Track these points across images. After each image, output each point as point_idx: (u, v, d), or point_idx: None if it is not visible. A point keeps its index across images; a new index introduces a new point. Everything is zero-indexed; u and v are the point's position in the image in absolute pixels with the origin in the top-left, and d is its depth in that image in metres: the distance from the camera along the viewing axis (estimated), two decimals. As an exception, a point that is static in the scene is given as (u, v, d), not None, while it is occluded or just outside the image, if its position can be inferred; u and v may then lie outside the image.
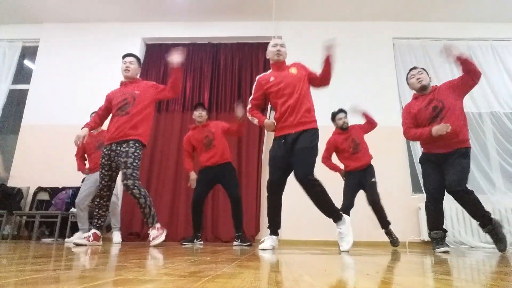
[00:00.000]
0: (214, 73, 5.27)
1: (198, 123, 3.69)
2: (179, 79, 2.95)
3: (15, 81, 5.49)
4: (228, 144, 3.74)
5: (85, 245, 2.60)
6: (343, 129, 3.52)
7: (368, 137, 3.59)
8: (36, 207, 4.61)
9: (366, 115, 3.50)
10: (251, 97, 2.74)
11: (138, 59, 3.10)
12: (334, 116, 3.59)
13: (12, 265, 1.04)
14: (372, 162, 3.50)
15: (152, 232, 2.77)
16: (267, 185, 2.54)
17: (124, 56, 3.07)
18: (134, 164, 2.76)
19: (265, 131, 4.83)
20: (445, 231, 2.71)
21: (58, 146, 4.86)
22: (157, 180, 4.80)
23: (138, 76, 3.12)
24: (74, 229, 3.94)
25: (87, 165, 3.97)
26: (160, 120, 5.05)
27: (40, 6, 5.23)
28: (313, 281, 0.78)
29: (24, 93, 5.37)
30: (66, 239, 3.89)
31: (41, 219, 4.20)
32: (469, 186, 2.57)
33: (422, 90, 2.79)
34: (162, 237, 2.76)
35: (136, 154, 2.78)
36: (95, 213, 2.84)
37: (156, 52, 5.41)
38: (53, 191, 4.63)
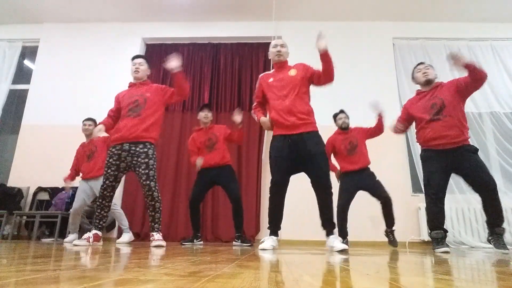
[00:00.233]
0: (214, 73, 5.28)
1: (204, 124, 3.69)
2: (182, 82, 2.93)
3: (15, 81, 5.49)
4: (229, 145, 3.75)
5: (86, 246, 2.60)
6: (342, 129, 3.55)
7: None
8: (36, 207, 4.61)
9: (380, 118, 3.49)
10: (255, 95, 2.80)
11: (147, 60, 3.09)
12: (335, 116, 3.64)
13: (12, 265, 1.04)
14: (373, 162, 3.49)
15: (156, 236, 2.78)
16: (270, 185, 2.54)
17: (133, 58, 3.06)
18: (155, 166, 2.80)
19: (265, 131, 4.83)
20: (446, 231, 2.71)
21: (58, 146, 4.86)
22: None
23: (147, 78, 3.09)
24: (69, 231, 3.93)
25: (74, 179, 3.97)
26: (160, 120, 5.05)
27: (40, 6, 5.23)
28: (313, 281, 0.78)
29: (24, 93, 5.37)
30: (64, 240, 3.88)
31: (41, 219, 4.20)
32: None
33: (426, 84, 2.80)
34: (164, 244, 2.77)
35: (155, 156, 2.82)
36: (96, 214, 2.83)
37: (156, 52, 5.41)
38: (53, 191, 4.63)
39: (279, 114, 2.51)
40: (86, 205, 3.87)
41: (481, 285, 0.76)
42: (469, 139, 2.70)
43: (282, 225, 2.60)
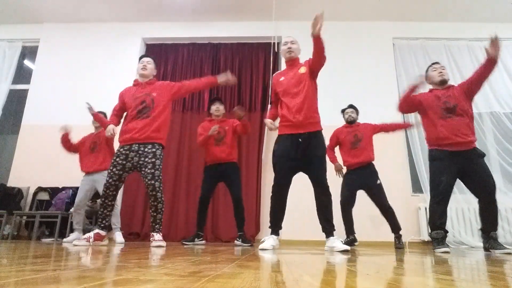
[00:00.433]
0: (214, 73, 5.26)
1: (215, 117, 3.70)
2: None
3: (15, 81, 5.48)
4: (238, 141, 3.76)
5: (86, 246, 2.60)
6: (348, 123, 3.65)
7: (368, 137, 3.60)
8: (36, 207, 4.60)
9: (404, 126, 3.95)
10: (271, 98, 2.87)
11: (154, 60, 3.13)
12: (343, 111, 3.75)
13: (12, 265, 1.04)
14: (373, 163, 3.51)
15: (157, 236, 2.78)
16: (274, 185, 2.54)
17: (141, 57, 3.11)
18: (161, 166, 2.82)
19: (265, 131, 4.84)
20: (446, 231, 2.72)
21: (58, 146, 4.83)
22: (157, 180, 4.79)
23: (153, 78, 3.10)
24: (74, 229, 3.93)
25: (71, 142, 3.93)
26: (160, 120, 5.05)
27: (40, 6, 5.23)
28: (313, 281, 0.78)
29: (24, 93, 5.37)
30: (64, 239, 3.88)
31: (41, 219, 4.19)
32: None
33: (441, 84, 2.83)
34: (164, 244, 2.77)
35: (162, 157, 2.85)
36: (99, 213, 2.83)
37: (156, 52, 5.41)
38: (53, 191, 4.63)
39: (289, 111, 2.52)
40: (88, 200, 3.87)
41: (481, 285, 0.76)
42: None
43: (282, 225, 2.61)
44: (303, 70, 2.59)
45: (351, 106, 3.73)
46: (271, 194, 2.57)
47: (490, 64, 2.59)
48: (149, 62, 3.04)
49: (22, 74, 5.60)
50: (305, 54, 2.81)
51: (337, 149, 3.72)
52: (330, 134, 3.61)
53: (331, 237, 2.45)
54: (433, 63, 2.98)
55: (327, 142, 2.64)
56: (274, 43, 5.15)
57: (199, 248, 2.52)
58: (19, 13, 5.37)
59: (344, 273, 1.00)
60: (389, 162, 4.53)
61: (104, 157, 3.78)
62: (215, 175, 3.59)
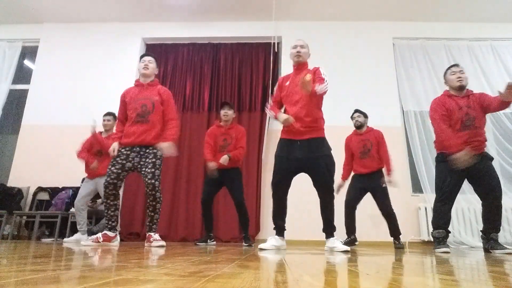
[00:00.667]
0: (214, 73, 5.27)
1: (224, 123, 3.66)
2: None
3: (15, 81, 5.49)
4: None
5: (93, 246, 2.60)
6: (357, 127, 3.63)
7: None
8: (36, 207, 4.60)
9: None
10: (273, 96, 2.77)
11: (156, 59, 3.10)
12: (352, 116, 3.72)
13: (12, 265, 1.04)
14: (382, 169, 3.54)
15: (156, 236, 2.78)
16: (273, 186, 2.54)
17: (142, 56, 3.08)
18: (161, 167, 2.83)
19: (265, 131, 4.84)
20: (448, 232, 2.71)
21: (58, 146, 4.86)
22: (157, 180, 4.79)
23: (154, 77, 3.07)
24: (74, 229, 3.94)
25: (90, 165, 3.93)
26: (160, 120, 5.04)
27: (40, 6, 5.23)
28: (313, 281, 0.78)
29: (24, 93, 5.37)
30: (65, 239, 3.89)
31: (41, 219, 4.19)
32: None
33: (459, 90, 2.76)
34: (164, 244, 2.77)
35: (162, 158, 2.85)
36: (105, 214, 2.84)
37: (156, 52, 5.40)
38: (53, 191, 4.63)
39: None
40: (88, 200, 3.88)
41: (481, 285, 0.76)
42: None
43: (285, 227, 2.62)
44: (308, 77, 2.47)
45: (357, 111, 3.67)
46: (272, 196, 2.59)
47: (504, 106, 2.56)
48: (150, 61, 3.00)
49: (22, 74, 5.61)
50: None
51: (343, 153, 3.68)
52: (330, 134, 3.59)
53: (331, 238, 2.45)
54: (452, 66, 2.87)
55: (331, 145, 2.60)
56: (274, 43, 5.15)
57: (211, 249, 2.52)
58: (19, 13, 5.37)
59: (344, 273, 1.00)
60: (389, 162, 4.52)
61: (107, 163, 3.79)
62: (217, 180, 3.56)
